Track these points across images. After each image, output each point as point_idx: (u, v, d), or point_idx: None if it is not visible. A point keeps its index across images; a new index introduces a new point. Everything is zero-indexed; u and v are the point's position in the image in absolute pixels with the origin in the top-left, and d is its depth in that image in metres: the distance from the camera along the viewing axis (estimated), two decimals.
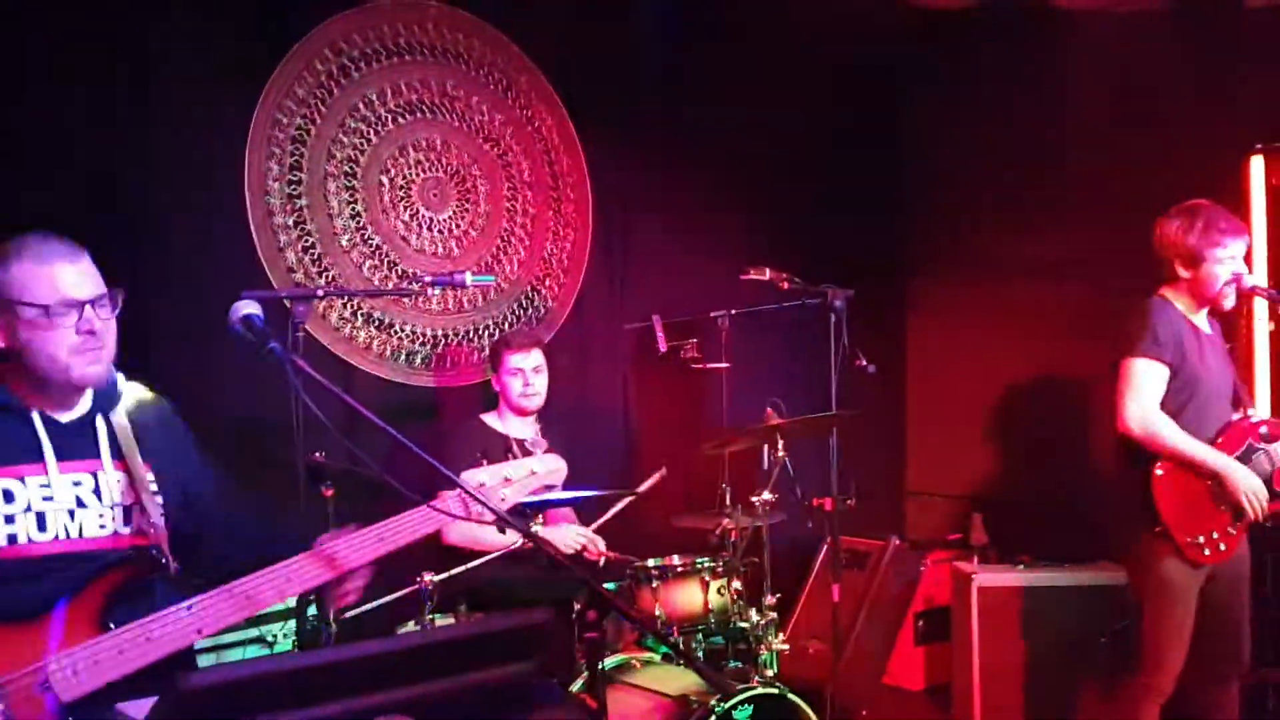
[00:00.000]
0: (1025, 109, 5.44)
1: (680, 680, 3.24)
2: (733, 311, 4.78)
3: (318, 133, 4.16)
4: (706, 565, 3.59)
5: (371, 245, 4.28)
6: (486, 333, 4.58)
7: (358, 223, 4.26)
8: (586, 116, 4.93)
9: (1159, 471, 3.33)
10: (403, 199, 4.38)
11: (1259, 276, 4.41)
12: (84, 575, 2.09)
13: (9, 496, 2.09)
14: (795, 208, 5.61)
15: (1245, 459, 3.37)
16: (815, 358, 4.25)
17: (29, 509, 2.11)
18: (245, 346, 2.09)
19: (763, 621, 3.60)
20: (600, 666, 1.89)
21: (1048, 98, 5.33)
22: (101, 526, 2.19)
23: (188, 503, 2.35)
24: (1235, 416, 3.49)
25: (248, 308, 2.04)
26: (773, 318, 4.62)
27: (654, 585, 3.54)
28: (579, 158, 4.92)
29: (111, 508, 2.21)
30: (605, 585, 3.75)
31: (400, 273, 4.34)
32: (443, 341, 4.48)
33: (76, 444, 2.18)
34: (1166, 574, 3.37)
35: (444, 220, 4.49)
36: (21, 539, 2.10)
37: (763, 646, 3.59)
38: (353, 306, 4.22)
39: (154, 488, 2.27)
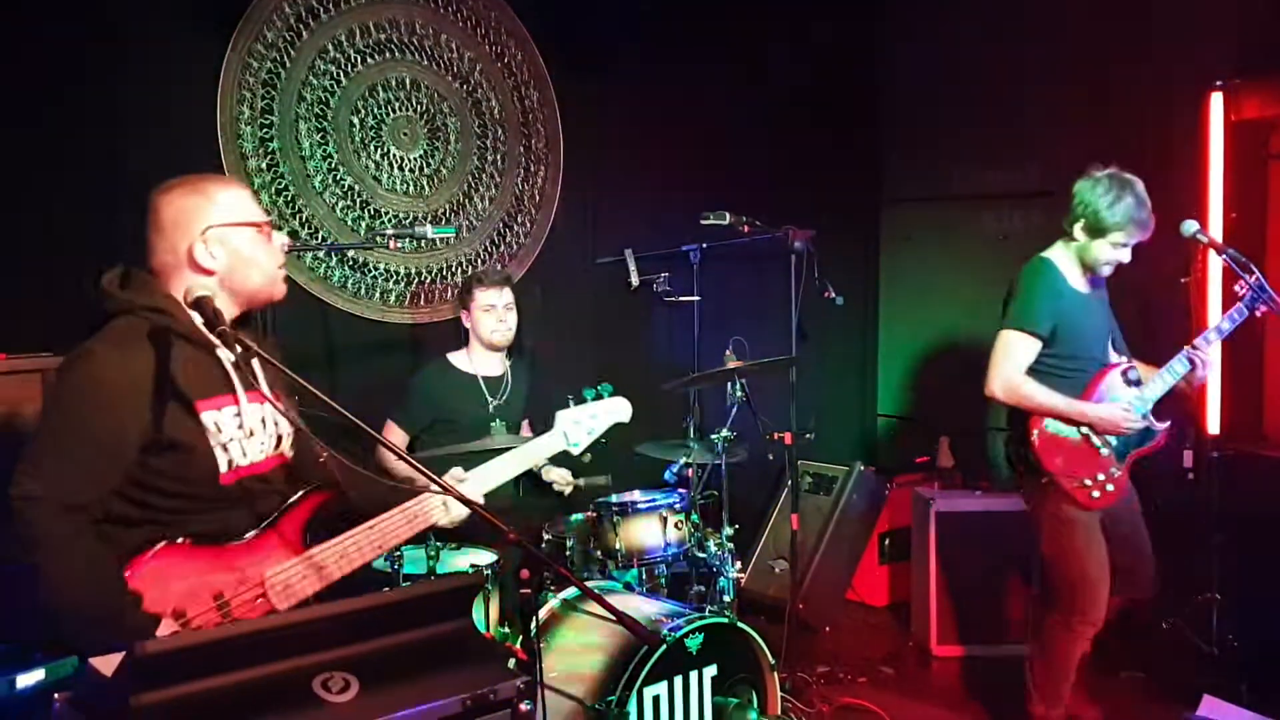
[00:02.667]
0: (994, 42, 5.50)
1: (641, 609, 3.42)
2: (704, 245, 4.87)
3: (288, 75, 4.21)
4: (664, 502, 3.76)
5: (344, 186, 4.36)
6: (460, 269, 4.69)
7: (329, 164, 4.33)
8: (556, 50, 4.95)
9: (1035, 430, 3.53)
10: (373, 139, 4.44)
11: (1215, 213, 4.52)
12: (280, 498, 2.33)
13: (219, 426, 2.25)
14: (768, 141, 5.66)
15: (1120, 404, 3.55)
16: (784, 290, 4.35)
17: (232, 438, 2.28)
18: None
19: (720, 553, 3.78)
20: (534, 620, 2.05)
21: (1016, 31, 5.39)
22: (263, 452, 2.35)
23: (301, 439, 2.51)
24: (1116, 361, 3.65)
25: (199, 290, 2.14)
26: (743, 251, 4.71)
27: (615, 521, 3.72)
28: (549, 92, 4.96)
29: (277, 435, 2.41)
30: (573, 516, 3.95)
31: (373, 212, 4.43)
32: (416, 279, 4.59)
33: (246, 378, 2.30)
34: (1064, 514, 3.56)
35: (415, 159, 4.56)
36: (224, 467, 2.27)
37: (720, 575, 3.78)
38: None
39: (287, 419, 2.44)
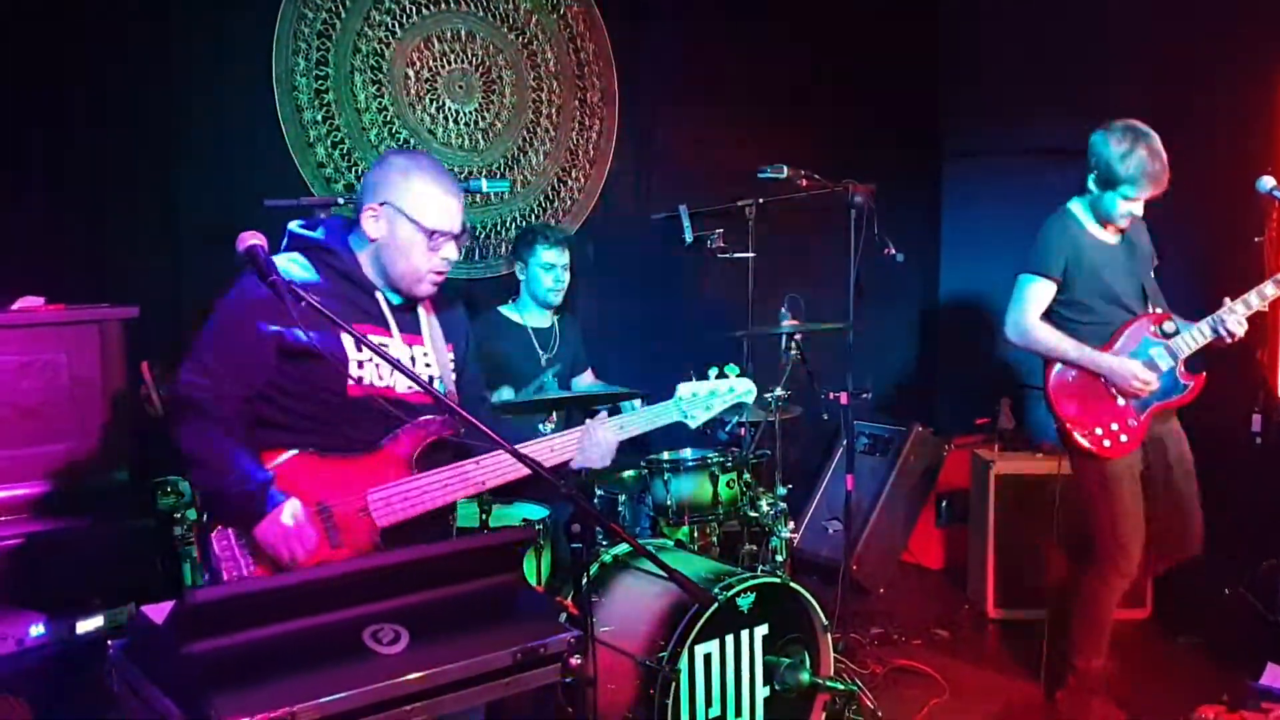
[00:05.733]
0: None
1: (692, 566, 3.41)
2: (760, 200, 4.79)
3: (343, 27, 4.19)
4: (716, 460, 3.72)
5: (399, 140, 4.34)
6: (514, 225, 4.66)
7: (384, 117, 4.31)
8: (612, 1, 4.87)
9: (1053, 375, 3.59)
10: (429, 92, 4.42)
11: None
12: (401, 424, 2.43)
13: (359, 347, 2.38)
14: (828, 95, 5.55)
15: (1142, 354, 3.54)
16: (843, 246, 4.25)
17: (372, 358, 2.42)
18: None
19: (772, 512, 3.74)
20: (586, 575, 2.04)
21: None
22: (410, 389, 2.48)
23: (460, 387, 2.68)
24: (1147, 313, 3.62)
25: (251, 239, 2.13)
26: (801, 206, 4.63)
27: (666, 477, 3.69)
28: (605, 44, 4.89)
29: (429, 377, 2.54)
30: (623, 473, 3.93)
31: None
32: (470, 234, 4.57)
33: (405, 320, 2.53)
34: (1097, 466, 3.57)
35: (470, 113, 4.53)
36: (367, 380, 2.41)
37: (772, 535, 3.74)
38: None
39: (452, 365, 2.64)
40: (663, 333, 5.21)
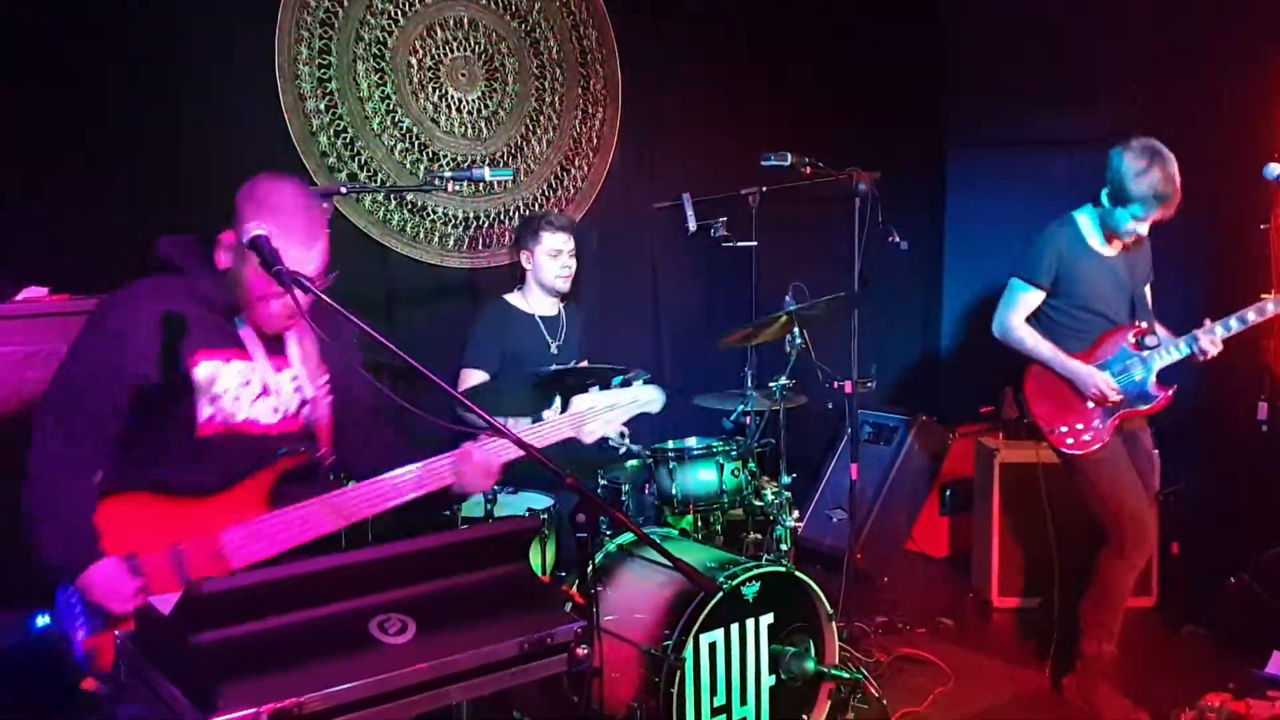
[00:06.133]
0: None
1: (696, 555, 3.41)
2: (764, 189, 4.78)
3: (346, 15, 4.17)
4: (720, 449, 3.72)
5: (402, 128, 4.33)
6: (517, 214, 4.65)
7: (387, 106, 4.30)
8: None
9: (1032, 374, 3.78)
10: (431, 80, 4.40)
11: None
12: (258, 460, 2.34)
13: (212, 381, 2.31)
14: (832, 84, 5.53)
15: (1117, 364, 3.69)
16: (846, 235, 4.23)
17: (225, 393, 2.33)
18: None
19: (777, 501, 3.74)
20: (591, 564, 2.04)
21: None
22: (277, 416, 2.41)
23: (345, 407, 2.56)
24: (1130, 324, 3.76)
25: (255, 229, 2.13)
26: (804, 194, 4.61)
27: (671, 467, 3.69)
28: (608, 32, 4.88)
29: (289, 402, 2.44)
30: (629, 462, 3.93)
31: (431, 155, 4.40)
32: (474, 224, 4.56)
33: (270, 346, 2.42)
34: (1087, 455, 3.71)
35: (473, 101, 4.51)
36: (219, 419, 2.33)
37: (777, 524, 3.74)
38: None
39: (326, 389, 2.51)
40: (667, 322, 5.21)
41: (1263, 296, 3.60)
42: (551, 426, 2.56)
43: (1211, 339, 3.59)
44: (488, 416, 2.03)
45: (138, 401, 2.29)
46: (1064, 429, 3.71)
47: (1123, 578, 3.71)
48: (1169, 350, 3.67)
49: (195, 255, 2.37)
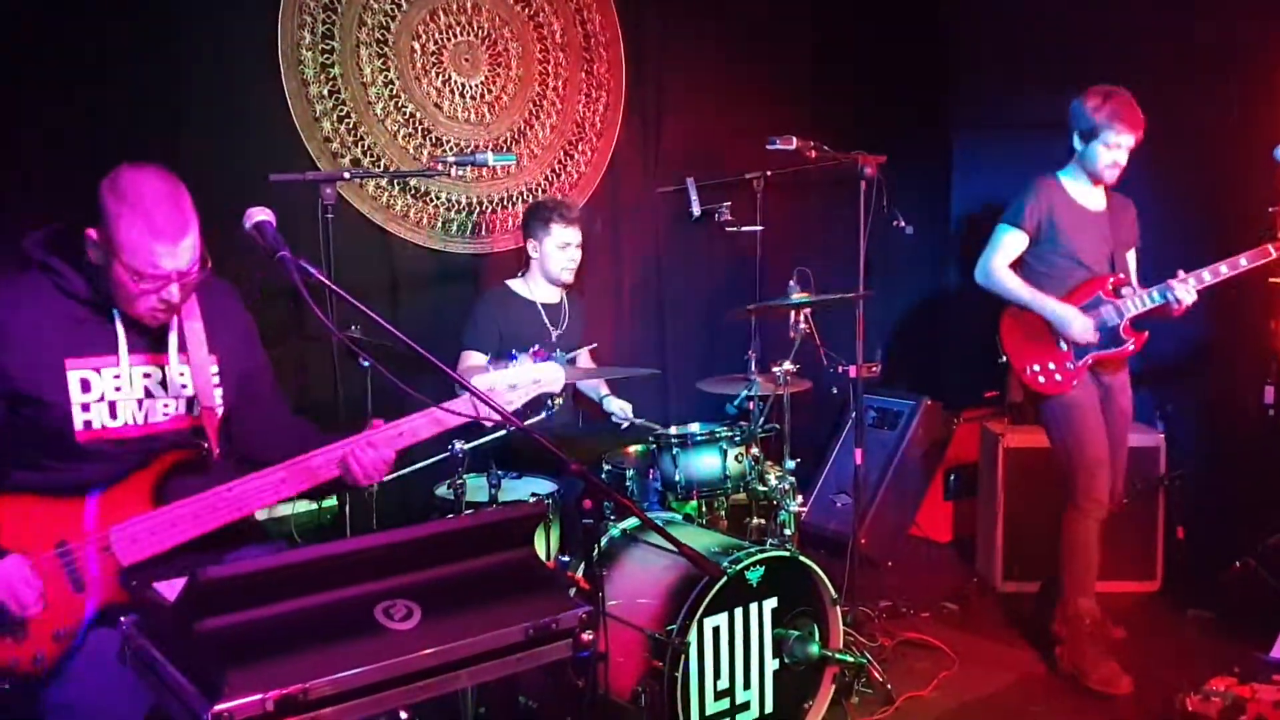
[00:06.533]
0: None
1: (700, 540, 3.41)
2: (768, 173, 4.77)
3: None
4: (724, 434, 3.72)
5: (405, 113, 4.31)
6: (521, 199, 4.63)
7: (390, 91, 4.28)
8: None
9: (1006, 315, 3.98)
10: (434, 65, 4.38)
11: None
12: (143, 459, 2.29)
13: (86, 386, 2.27)
14: (836, 68, 5.50)
15: (1092, 309, 3.84)
16: (851, 220, 4.20)
17: (102, 398, 2.28)
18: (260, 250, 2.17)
19: (781, 485, 3.74)
20: (596, 549, 2.03)
21: None
22: (166, 414, 2.38)
23: (242, 392, 2.52)
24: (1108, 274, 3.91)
25: (259, 215, 2.12)
26: (809, 179, 4.59)
27: (674, 452, 3.69)
28: (611, 16, 4.85)
29: (175, 398, 2.39)
30: (631, 448, 3.93)
31: (435, 140, 4.38)
32: (478, 209, 4.55)
33: (148, 340, 2.35)
34: (1059, 399, 3.87)
35: (476, 85, 4.50)
36: (95, 424, 2.29)
37: (781, 508, 3.74)
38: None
39: (216, 379, 2.44)
40: (671, 307, 5.19)
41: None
42: (451, 409, 2.43)
43: (1186, 288, 3.70)
44: (488, 398, 2.03)
45: (10, 408, 2.25)
46: (1036, 367, 3.87)
47: (1079, 528, 3.85)
48: (1141, 299, 3.81)
49: (66, 251, 2.29)
